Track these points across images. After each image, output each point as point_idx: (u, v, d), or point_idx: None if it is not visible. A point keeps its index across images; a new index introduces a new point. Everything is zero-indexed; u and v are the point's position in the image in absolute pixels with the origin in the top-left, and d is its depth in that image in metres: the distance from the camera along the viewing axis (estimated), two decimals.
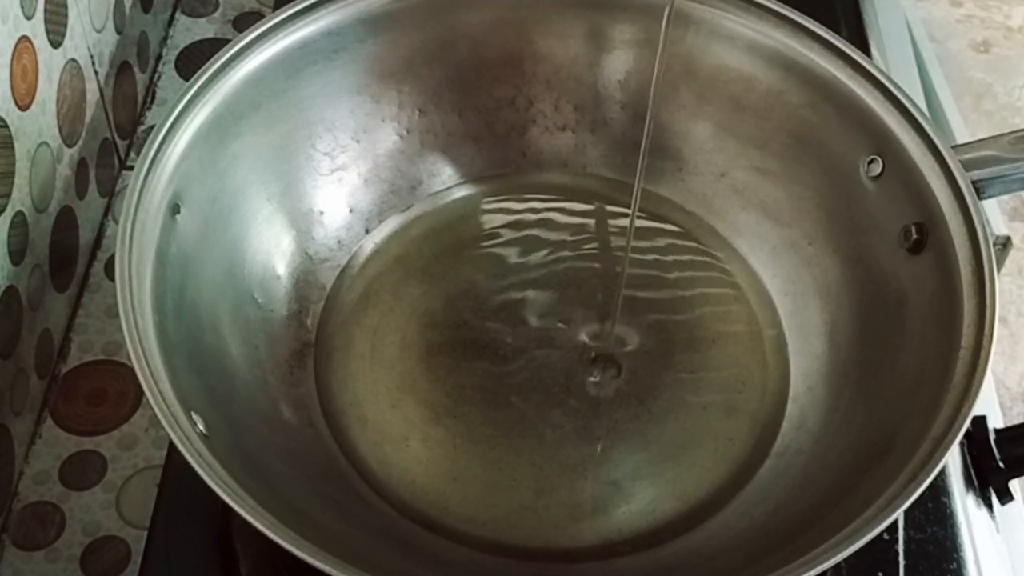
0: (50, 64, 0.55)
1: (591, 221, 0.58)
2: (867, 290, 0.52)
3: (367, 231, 0.57)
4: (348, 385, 0.52)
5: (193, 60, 0.71)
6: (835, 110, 0.53)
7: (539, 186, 0.59)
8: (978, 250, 0.47)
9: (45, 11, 0.54)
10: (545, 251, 0.57)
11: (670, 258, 0.57)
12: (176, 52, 0.72)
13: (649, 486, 0.50)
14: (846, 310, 0.53)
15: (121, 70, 0.65)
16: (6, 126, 0.50)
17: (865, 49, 0.67)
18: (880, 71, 0.52)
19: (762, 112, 0.55)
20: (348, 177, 0.57)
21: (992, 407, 0.56)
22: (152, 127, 0.48)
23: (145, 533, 0.49)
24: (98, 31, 0.61)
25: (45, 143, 0.55)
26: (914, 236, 0.50)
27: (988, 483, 0.52)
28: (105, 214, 0.64)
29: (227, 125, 0.51)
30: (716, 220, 0.58)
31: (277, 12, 0.52)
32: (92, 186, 0.61)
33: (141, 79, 0.68)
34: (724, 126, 0.57)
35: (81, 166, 0.60)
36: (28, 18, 0.52)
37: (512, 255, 0.57)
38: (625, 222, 0.58)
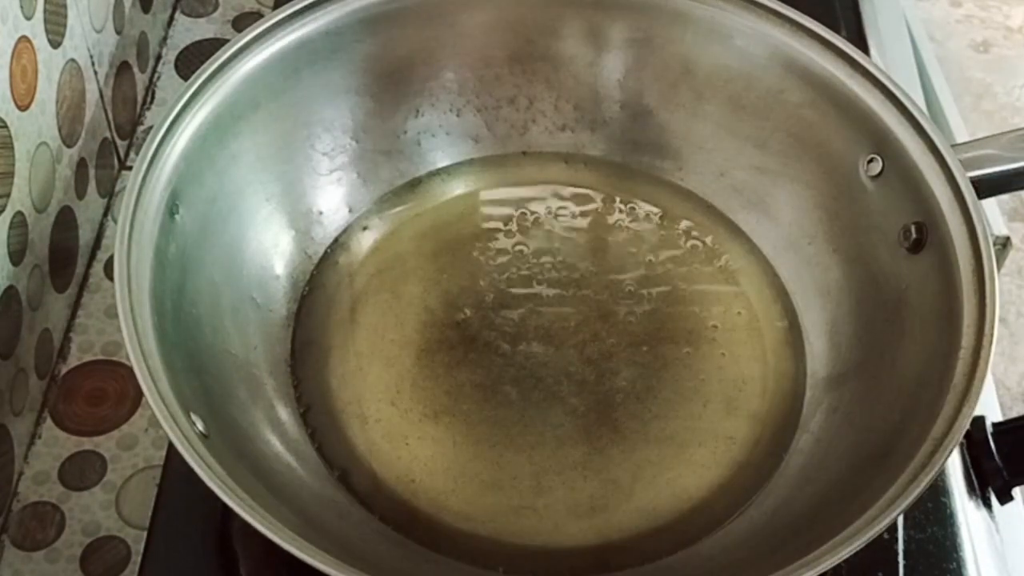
0: (50, 64, 0.55)
1: (591, 219, 0.58)
2: (867, 290, 0.52)
3: (366, 230, 0.57)
4: (347, 384, 0.52)
5: (193, 60, 0.71)
6: (834, 109, 0.53)
7: (539, 185, 0.59)
8: (978, 250, 0.47)
9: (45, 11, 0.54)
10: (544, 249, 0.57)
11: (670, 256, 0.57)
12: (176, 52, 0.71)
13: (649, 485, 0.50)
14: (846, 310, 0.53)
15: (121, 70, 0.65)
16: (6, 126, 0.50)
17: (864, 49, 0.67)
18: (879, 70, 0.52)
19: (761, 111, 0.55)
20: (347, 177, 0.57)
21: (992, 407, 0.56)
22: (151, 127, 0.48)
23: (145, 533, 0.49)
24: (98, 31, 0.61)
25: (45, 143, 0.55)
26: (914, 235, 0.50)
27: (987, 483, 0.52)
28: (105, 214, 0.64)
29: (226, 125, 0.51)
30: (715, 219, 0.58)
31: (276, 12, 0.52)
32: (91, 186, 0.61)
33: (141, 79, 0.68)
34: (723, 125, 0.57)
35: (81, 166, 0.59)
36: (28, 18, 0.52)
37: (511, 253, 0.57)
38: (625, 220, 0.58)
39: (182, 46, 0.72)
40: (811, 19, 0.53)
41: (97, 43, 0.61)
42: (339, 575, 0.38)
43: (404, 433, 0.51)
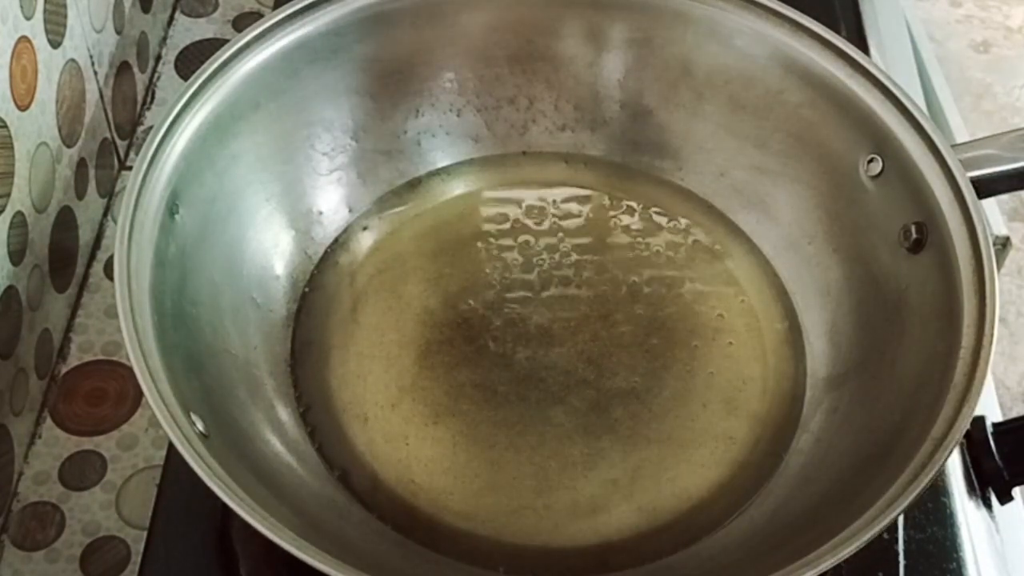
0: (50, 64, 0.55)
1: (591, 219, 0.58)
2: (867, 290, 0.52)
3: (366, 230, 0.57)
4: (347, 384, 0.52)
5: (193, 60, 0.71)
6: (834, 109, 0.53)
7: (539, 185, 0.59)
8: (978, 249, 0.47)
9: (44, 11, 0.54)
10: (544, 249, 0.57)
11: (670, 256, 0.57)
12: (176, 52, 0.71)
13: (649, 485, 0.50)
14: (846, 310, 0.53)
15: (121, 70, 0.65)
16: (6, 126, 0.50)
17: (864, 49, 0.67)
18: (879, 70, 0.52)
19: (761, 111, 0.55)
20: (347, 177, 0.57)
21: (992, 407, 0.56)
22: (151, 127, 0.48)
23: (145, 533, 0.49)
24: (97, 31, 0.61)
25: (45, 143, 0.55)
26: (914, 235, 0.50)
27: (987, 483, 0.52)
28: (104, 214, 0.64)
29: (226, 125, 0.51)
30: (715, 219, 0.58)
31: (276, 12, 0.52)
32: (91, 186, 0.61)
33: (140, 79, 0.68)
34: (723, 125, 0.57)
35: (80, 166, 0.59)
36: (28, 18, 0.52)
37: (511, 253, 0.57)
38: (625, 220, 0.58)
39: (182, 46, 0.72)
40: (811, 19, 0.53)
41: (97, 43, 0.61)
42: (339, 575, 0.38)
43: (404, 433, 0.51)
